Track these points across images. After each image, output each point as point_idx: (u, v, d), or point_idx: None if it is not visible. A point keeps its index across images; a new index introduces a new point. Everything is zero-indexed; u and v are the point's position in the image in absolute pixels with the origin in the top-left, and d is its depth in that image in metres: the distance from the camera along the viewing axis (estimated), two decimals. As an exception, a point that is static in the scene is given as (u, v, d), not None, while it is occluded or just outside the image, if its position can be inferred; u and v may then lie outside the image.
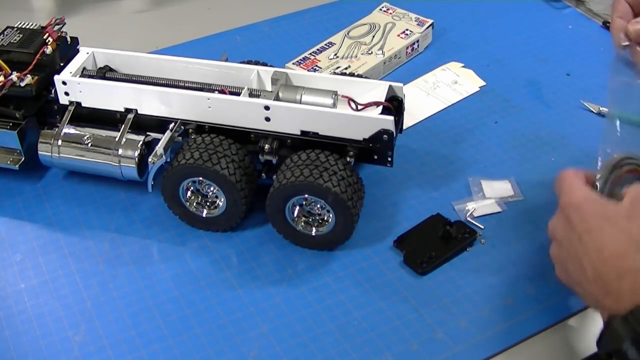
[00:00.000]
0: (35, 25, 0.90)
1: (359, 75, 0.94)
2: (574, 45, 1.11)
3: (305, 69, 1.01)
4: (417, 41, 1.08)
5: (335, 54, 1.05)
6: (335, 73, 0.98)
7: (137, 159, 0.81)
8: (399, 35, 1.07)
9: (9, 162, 0.85)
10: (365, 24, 1.11)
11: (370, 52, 1.05)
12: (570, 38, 1.13)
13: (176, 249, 0.80)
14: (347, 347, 0.70)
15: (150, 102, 0.82)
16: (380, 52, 1.04)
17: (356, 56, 1.04)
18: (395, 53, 1.05)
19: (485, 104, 0.99)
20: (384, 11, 1.13)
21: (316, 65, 1.02)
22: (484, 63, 1.06)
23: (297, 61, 1.04)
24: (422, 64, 1.07)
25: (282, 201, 0.77)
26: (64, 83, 0.83)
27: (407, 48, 1.07)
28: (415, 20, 1.10)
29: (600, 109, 0.95)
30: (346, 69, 1.01)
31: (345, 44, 1.07)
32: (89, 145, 0.82)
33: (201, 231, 0.82)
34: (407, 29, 1.08)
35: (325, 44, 1.07)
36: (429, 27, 1.09)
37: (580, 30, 1.14)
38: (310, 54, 1.05)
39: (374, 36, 1.08)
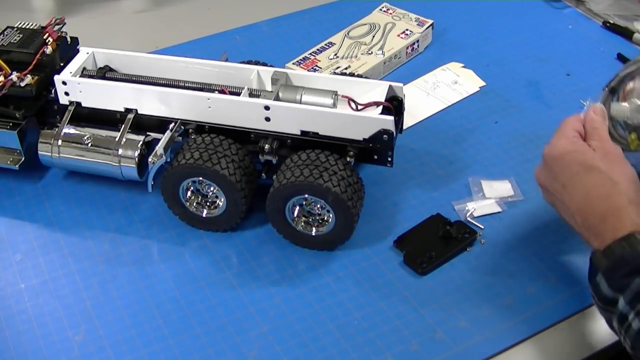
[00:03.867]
0: (35, 25, 0.90)
1: (359, 75, 0.94)
2: (574, 45, 1.11)
3: (305, 69, 1.01)
4: (417, 41, 1.08)
5: (335, 54, 1.05)
6: (335, 73, 0.98)
7: (137, 159, 0.81)
8: (399, 35, 1.07)
9: (9, 162, 0.85)
10: (365, 24, 1.11)
11: (370, 52, 1.05)
12: (570, 38, 1.13)
13: (176, 249, 0.80)
14: (347, 347, 0.70)
15: (150, 102, 0.82)
16: (380, 52, 1.04)
17: (356, 56, 1.04)
18: (395, 53, 1.05)
19: (485, 104, 0.99)
20: (384, 11, 1.13)
21: (316, 65, 1.02)
22: (484, 63, 1.06)
23: (297, 61, 1.04)
24: (422, 64, 1.07)
25: (282, 201, 0.77)
26: (64, 83, 0.83)
27: (407, 48, 1.07)
28: (415, 21, 1.10)
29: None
30: (346, 69, 1.01)
31: (345, 44, 1.07)
32: (89, 145, 0.82)
33: (201, 231, 0.82)
34: (407, 29, 1.08)
35: (325, 44, 1.07)
36: (429, 27, 1.09)
37: (580, 30, 1.15)
38: (310, 54, 1.05)
39: (374, 36, 1.08)
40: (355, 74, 0.98)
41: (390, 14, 1.13)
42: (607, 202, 0.64)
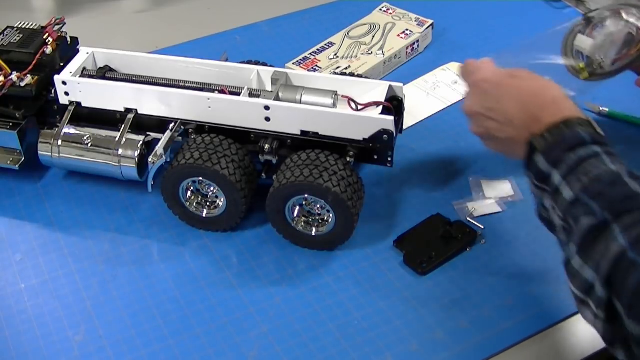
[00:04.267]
0: (35, 25, 0.90)
1: (359, 75, 0.94)
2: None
3: (305, 69, 1.02)
4: (417, 41, 1.08)
5: (335, 54, 1.05)
6: (335, 73, 0.98)
7: (137, 159, 0.81)
8: (399, 36, 1.07)
9: (9, 162, 0.85)
10: (365, 24, 1.11)
11: (370, 52, 1.05)
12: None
13: (176, 249, 0.80)
14: (347, 347, 0.70)
15: (150, 102, 0.82)
16: (380, 52, 1.04)
17: (356, 56, 1.04)
18: (395, 53, 1.05)
19: (485, 104, 0.99)
20: (384, 11, 1.13)
21: (316, 65, 1.02)
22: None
23: (297, 61, 1.04)
24: (422, 64, 1.07)
25: (282, 201, 0.77)
26: (64, 83, 0.83)
27: (407, 48, 1.07)
28: (415, 21, 1.10)
29: (600, 109, 0.95)
30: (346, 69, 1.01)
31: (345, 44, 1.07)
32: (89, 145, 0.82)
33: (201, 231, 0.82)
34: (407, 29, 1.08)
35: (325, 44, 1.07)
36: (429, 27, 1.09)
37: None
38: (310, 54, 1.05)
39: (374, 36, 1.08)
40: (355, 74, 0.98)
41: (390, 14, 1.13)
42: (544, 95, 0.69)
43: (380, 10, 1.14)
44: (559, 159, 0.64)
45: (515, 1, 1.21)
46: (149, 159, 0.78)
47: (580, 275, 0.59)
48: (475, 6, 1.20)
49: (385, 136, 0.76)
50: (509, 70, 0.74)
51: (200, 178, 0.78)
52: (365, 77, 0.91)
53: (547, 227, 0.68)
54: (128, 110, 0.83)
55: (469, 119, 0.76)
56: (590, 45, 0.83)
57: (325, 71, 1.01)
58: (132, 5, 1.26)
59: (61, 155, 0.83)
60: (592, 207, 0.59)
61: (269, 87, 0.84)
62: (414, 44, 1.07)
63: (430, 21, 1.10)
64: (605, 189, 0.60)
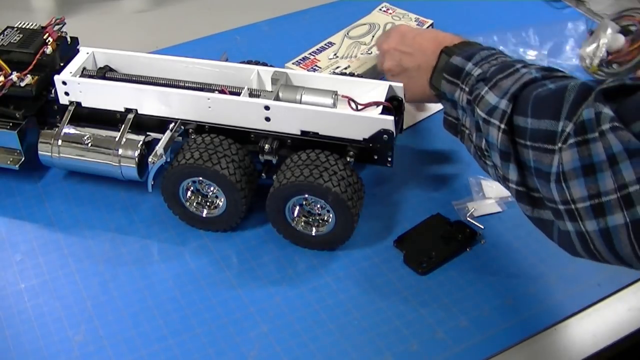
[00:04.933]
0: (35, 25, 0.90)
1: (359, 75, 0.94)
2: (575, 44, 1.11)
3: (305, 69, 1.02)
4: None
5: (335, 54, 1.05)
6: (334, 73, 0.98)
7: (137, 159, 0.81)
8: None
9: (9, 162, 0.85)
10: (365, 24, 1.11)
11: (370, 52, 1.05)
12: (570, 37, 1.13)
13: (176, 249, 0.80)
14: (347, 347, 0.70)
15: (150, 102, 0.82)
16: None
17: (356, 56, 1.04)
18: None
19: (485, 104, 0.99)
20: (384, 11, 1.13)
21: (316, 65, 1.02)
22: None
23: (297, 61, 1.04)
24: None
25: (282, 201, 0.77)
26: (64, 83, 0.83)
27: None
28: (415, 20, 1.10)
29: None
30: (346, 68, 1.01)
31: (345, 44, 1.07)
32: (89, 145, 0.82)
33: (201, 231, 0.82)
34: None
35: (325, 44, 1.07)
36: (428, 27, 1.09)
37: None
38: (310, 53, 1.05)
39: (373, 36, 1.08)
40: (356, 74, 0.98)
41: (390, 14, 1.13)
42: (454, 38, 0.80)
43: (380, 10, 1.14)
44: (473, 53, 0.74)
45: (515, 1, 1.21)
46: (149, 159, 0.78)
47: (485, 99, 0.67)
48: (476, 6, 1.20)
49: (385, 136, 0.76)
50: None
51: (200, 178, 0.78)
52: (358, 75, 0.91)
53: (451, 131, 0.78)
54: (128, 110, 0.83)
55: (383, 55, 0.88)
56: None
57: (325, 71, 1.01)
58: (132, 5, 1.26)
59: (61, 155, 0.83)
60: (505, 63, 0.70)
61: (269, 87, 0.84)
62: None
63: (430, 21, 1.10)
64: (514, 61, 0.71)
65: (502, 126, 0.64)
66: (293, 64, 1.03)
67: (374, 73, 1.02)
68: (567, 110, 0.58)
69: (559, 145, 0.58)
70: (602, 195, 0.54)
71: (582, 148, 0.55)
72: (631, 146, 0.52)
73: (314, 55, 1.05)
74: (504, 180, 0.67)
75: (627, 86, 0.56)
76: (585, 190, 0.55)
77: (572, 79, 0.64)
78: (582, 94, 0.58)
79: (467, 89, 0.72)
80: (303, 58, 1.04)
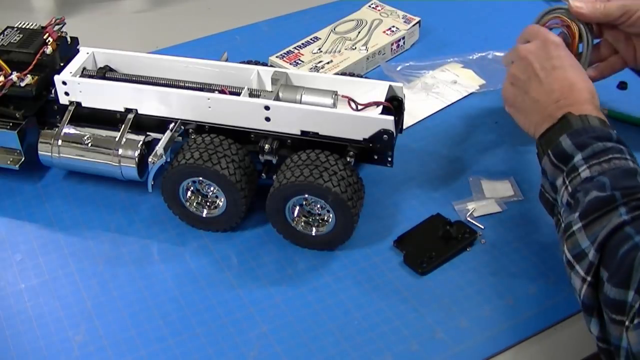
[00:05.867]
0: (35, 25, 0.90)
1: (359, 76, 0.94)
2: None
3: (288, 62, 1.02)
4: (403, 38, 1.08)
5: (319, 49, 1.05)
6: (316, 67, 0.99)
7: (137, 159, 0.81)
8: (384, 32, 1.08)
9: (9, 162, 0.85)
10: (352, 20, 1.11)
11: (354, 47, 1.05)
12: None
13: (176, 249, 0.80)
14: (347, 347, 0.70)
15: (150, 102, 0.82)
16: (364, 47, 1.05)
17: (339, 51, 1.04)
18: (379, 49, 1.05)
19: (485, 104, 0.99)
20: (373, 8, 1.14)
21: (299, 59, 1.03)
22: (484, 62, 1.06)
23: (281, 54, 1.04)
24: (406, 60, 1.07)
25: (282, 201, 0.77)
26: (64, 83, 0.83)
27: (392, 45, 1.07)
28: (403, 18, 1.11)
29: (600, 109, 0.95)
30: (328, 63, 1.01)
31: (330, 39, 1.07)
32: (89, 145, 0.82)
33: (201, 231, 0.82)
34: (393, 26, 1.09)
35: (311, 39, 1.08)
36: (415, 24, 1.09)
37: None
38: (295, 47, 1.06)
39: (359, 32, 1.08)
40: (339, 70, 0.98)
41: (379, 10, 1.13)
42: (583, 90, 0.74)
43: (369, 7, 1.14)
44: (585, 144, 0.67)
45: (515, 1, 1.21)
46: (149, 159, 0.78)
47: (575, 237, 0.62)
48: (476, 6, 1.20)
49: (385, 136, 0.76)
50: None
51: (200, 178, 0.78)
52: (357, 75, 0.91)
53: (546, 208, 0.73)
54: (128, 110, 0.83)
55: (518, 60, 0.80)
56: None
57: (307, 65, 1.01)
58: (132, 5, 1.26)
59: (61, 155, 0.83)
60: (605, 183, 0.63)
61: (269, 87, 0.84)
62: (399, 40, 1.08)
63: (417, 19, 1.10)
64: (621, 175, 0.63)
65: (588, 279, 0.61)
66: (277, 57, 1.03)
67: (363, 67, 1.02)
68: (638, 282, 0.56)
69: (627, 323, 0.56)
70: None
71: None
72: None
73: (298, 50, 1.05)
74: (586, 323, 0.63)
75: None
76: None
77: None
78: None
79: (570, 189, 0.67)
80: (287, 52, 1.05)
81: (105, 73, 0.86)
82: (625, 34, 0.86)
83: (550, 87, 0.75)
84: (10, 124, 0.84)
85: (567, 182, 0.67)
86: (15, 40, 0.87)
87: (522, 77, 0.78)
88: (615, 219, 0.60)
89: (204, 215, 0.81)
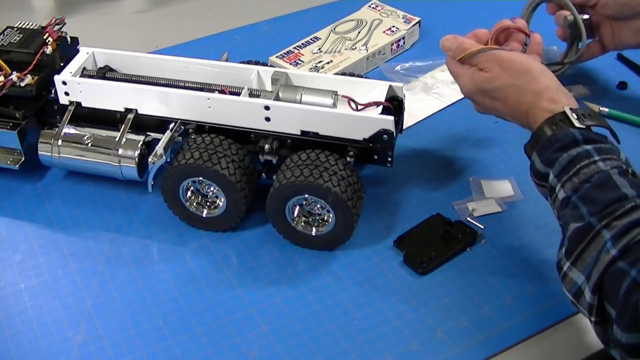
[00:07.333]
0: (35, 25, 0.90)
1: (359, 75, 0.94)
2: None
3: (288, 62, 1.02)
4: (403, 38, 1.08)
5: (319, 49, 1.05)
6: (316, 67, 0.99)
7: (137, 159, 0.81)
8: (384, 32, 1.08)
9: (9, 162, 0.85)
10: (352, 20, 1.11)
11: (354, 47, 1.05)
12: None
13: (176, 249, 0.80)
14: (347, 347, 0.70)
15: (150, 102, 0.82)
16: (364, 47, 1.05)
17: (339, 51, 1.04)
18: (379, 49, 1.05)
19: (485, 104, 0.99)
20: (373, 8, 1.14)
21: (299, 59, 1.03)
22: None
23: (281, 54, 1.04)
24: (406, 60, 1.07)
25: (282, 201, 0.77)
26: (64, 83, 0.83)
27: (392, 45, 1.07)
28: (403, 18, 1.11)
29: (600, 109, 0.95)
30: (328, 63, 1.01)
31: (330, 39, 1.07)
32: (89, 145, 0.82)
33: (201, 231, 0.82)
34: (393, 26, 1.09)
35: (311, 39, 1.08)
36: (415, 24, 1.09)
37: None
38: (295, 47, 1.06)
39: (359, 32, 1.08)
40: (339, 70, 0.98)
41: (379, 10, 1.13)
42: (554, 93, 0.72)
43: (369, 7, 1.14)
44: (551, 160, 0.67)
45: (515, 1, 1.21)
46: (149, 159, 0.78)
47: (569, 277, 0.62)
48: (476, 6, 1.20)
49: (385, 136, 0.76)
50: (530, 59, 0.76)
51: (200, 178, 0.78)
52: (358, 75, 0.91)
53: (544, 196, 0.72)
54: (128, 110, 0.83)
55: (468, 96, 0.81)
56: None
57: (307, 65, 1.01)
58: (132, 5, 1.26)
59: (61, 155, 0.83)
60: (582, 211, 0.61)
61: (269, 87, 0.84)
62: (399, 40, 1.08)
63: (417, 19, 1.10)
64: (594, 192, 0.62)
65: (593, 319, 0.60)
66: (277, 57, 1.03)
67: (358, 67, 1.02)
68: None
69: None
70: None
71: None
72: None
73: (298, 50, 1.05)
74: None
75: None
76: None
77: None
78: None
79: (555, 212, 0.67)
80: (287, 52, 1.05)
81: (105, 73, 0.86)
82: (602, 17, 0.91)
83: (509, 111, 0.76)
84: (10, 124, 0.84)
85: (552, 204, 0.67)
86: (15, 40, 0.87)
87: (486, 109, 0.79)
88: (604, 257, 0.58)
89: (204, 215, 0.81)
